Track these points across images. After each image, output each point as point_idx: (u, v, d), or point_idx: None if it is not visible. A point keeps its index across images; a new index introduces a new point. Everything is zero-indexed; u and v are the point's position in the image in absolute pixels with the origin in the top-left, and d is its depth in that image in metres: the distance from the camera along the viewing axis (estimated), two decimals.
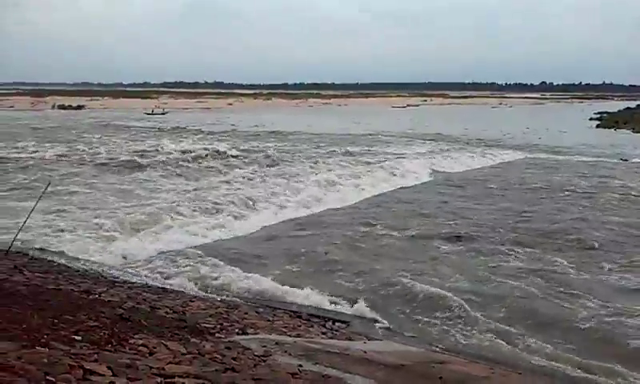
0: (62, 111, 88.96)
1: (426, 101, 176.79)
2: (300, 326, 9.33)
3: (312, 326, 9.50)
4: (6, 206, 18.90)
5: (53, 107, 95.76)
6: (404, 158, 35.59)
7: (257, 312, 9.96)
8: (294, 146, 40.72)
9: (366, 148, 40.15)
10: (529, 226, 17.79)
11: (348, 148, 39.33)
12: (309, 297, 11.41)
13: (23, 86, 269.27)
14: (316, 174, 27.48)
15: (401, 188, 25.89)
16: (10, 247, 12.31)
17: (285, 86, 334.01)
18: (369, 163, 32.74)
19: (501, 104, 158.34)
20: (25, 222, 13.16)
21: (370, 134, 53.43)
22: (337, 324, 9.97)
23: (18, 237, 12.79)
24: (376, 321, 10.45)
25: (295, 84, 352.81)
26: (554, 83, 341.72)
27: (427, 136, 52.40)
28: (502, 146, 44.62)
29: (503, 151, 40.96)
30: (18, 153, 33.28)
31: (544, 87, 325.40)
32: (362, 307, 10.92)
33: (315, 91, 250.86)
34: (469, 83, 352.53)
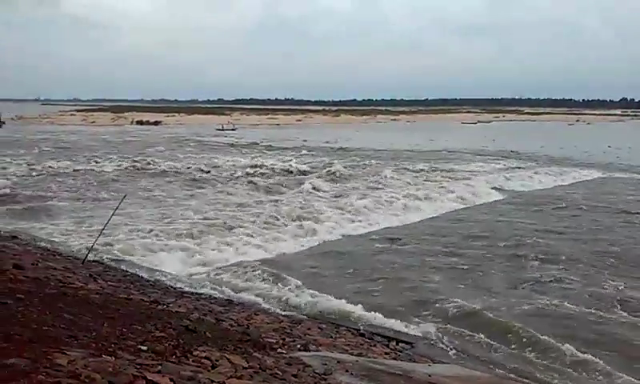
0: (140, 126, 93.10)
1: (498, 117, 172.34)
2: (362, 345, 9.19)
3: (375, 346, 9.34)
4: (85, 217, 19.87)
5: (131, 123, 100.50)
6: (474, 175, 34.81)
7: (319, 328, 9.90)
8: (361, 162, 40.61)
9: (435, 165, 39.50)
10: (598, 249, 16.93)
11: (417, 165, 38.85)
12: (372, 315, 11.24)
13: (104, 102, 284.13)
14: (383, 191, 27.31)
15: (469, 207, 25.26)
16: (86, 256, 12.90)
17: (353, 102, 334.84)
18: (437, 180, 32.18)
19: (578, 121, 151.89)
20: (101, 233, 13.77)
21: (438, 151, 52.60)
22: (400, 344, 9.75)
23: (95, 246, 13.40)
24: (442, 343, 10.16)
25: (364, 100, 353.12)
26: (635, 99, 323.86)
27: (499, 153, 50.98)
28: (579, 165, 42.68)
29: (580, 170, 39.12)
30: (97, 165, 35.08)
31: (624, 104, 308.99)
32: (427, 328, 10.65)
33: (384, 107, 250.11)
34: (544, 99, 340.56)
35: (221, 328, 7.98)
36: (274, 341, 7.92)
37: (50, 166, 33.47)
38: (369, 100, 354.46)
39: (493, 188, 30.23)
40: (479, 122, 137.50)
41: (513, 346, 10.14)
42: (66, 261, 12.59)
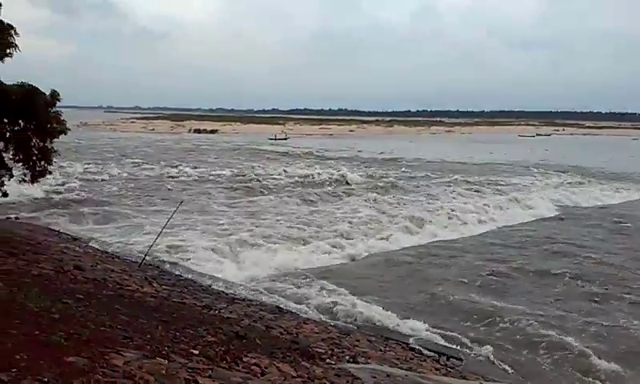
0: (197, 135, 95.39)
1: (557, 130, 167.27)
2: (412, 359, 9.06)
3: (425, 360, 9.19)
4: (141, 221, 20.48)
5: (189, 131, 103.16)
6: (532, 189, 33.93)
7: (369, 340, 9.83)
8: (414, 173, 40.26)
9: (491, 178, 38.70)
10: None
11: (473, 178, 38.16)
12: (422, 329, 11.08)
13: (164, 110, 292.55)
14: (438, 203, 26.96)
15: (526, 222, 24.60)
16: (142, 260, 13.27)
17: (407, 113, 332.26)
18: (493, 194, 31.49)
19: None
20: (157, 237, 14.14)
21: (495, 163, 51.48)
22: (451, 360, 9.56)
23: (151, 250, 13.78)
24: (494, 360, 9.90)
25: (417, 111, 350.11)
26: None
27: (559, 167, 49.39)
28: None
29: None
30: (154, 172, 36.12)
31: None
32: (478, 344, 10.42)
33: (438, 119, 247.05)
34: (606, 113, 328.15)
35: (270, 335, 8.03)
36: (323, 351, 7.91)
37: (110, 172, 34.71)
38: (423, 111, 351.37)
39: (551, 203, 29.35)
40: (538, 134, 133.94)
41: (569, 368, 9.77)
42: (123, 263, 12.99)
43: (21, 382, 3.27)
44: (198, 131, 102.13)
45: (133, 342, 5.02)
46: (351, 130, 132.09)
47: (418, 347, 10.01)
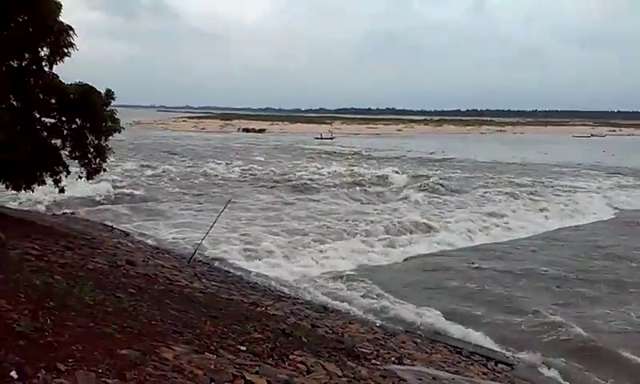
0: (246, 134, 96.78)
1: (613, 131, 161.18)
2: (460, 363, 8.92)
3: (472, 364, 9.03)
4: (192, 217, 20.92)
5: (238, 130, 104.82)
6: (585, 191, 32.87)
7: (414, 342, 9.74)
8: (464, 174, 39.63)
9: (543, 179, 37.69)
10: None
11: (524, 178, 37.27)
12: (470, 333, 10.89)
13: (214, 110, 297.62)
14: (488, 205, 26.48)
15: (579, 225, 23.85)
16: (192, 256, 13.55)
17: (457, 112, 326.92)
18: (545, 195, 30.66)
19: None
20: (206, 234, 14.41)
21: (548, 164, 50.07)
22: (500, 365, 9.36)
23: (200, 247, 14.06)
24: (545, 368, 9.63)
25: (468, 110, 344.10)
26: None
27: (614, 169, 47.65)
28: None
29: None
30: (204, 169, 36.81)
31: None
32: (528, 351, 10.16)
33: (488, 118, 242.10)
34: None
35: (316, 334, 8.06)
36: (368, 351, 7.88)
37: (160, 170, 35.59)
38: (473, 110, 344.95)
39: (605, 205, 28.37)
40: (592, 135, 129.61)
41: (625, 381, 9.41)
42: (173, 259, 13.31)
43: (77, 371, 3.39)
44: (246, 130, 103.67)
45: (182, 337, 5.13)
46: (399, 130, 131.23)
47: (465, 350, 9.85)
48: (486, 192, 30.89)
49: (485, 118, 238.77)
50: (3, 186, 13.66)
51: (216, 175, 34.56)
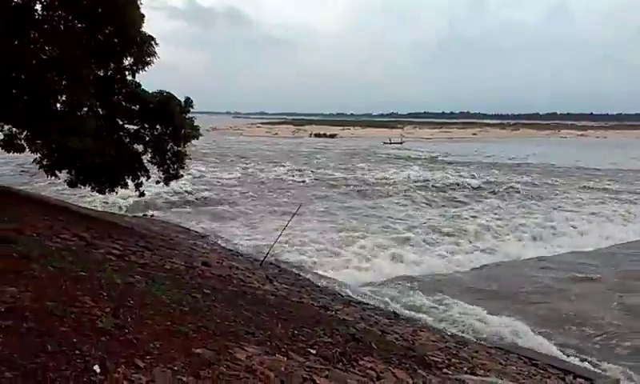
0: (317, 139, 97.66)
1: None
2: (535, 375, 8.58)
3: (549, 378, 8.67)
4: (263, 221, 21.31)
5: (310, 135, 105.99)
6: None
7: (488, 352, 9.46)
8: (541, 179, 38.14)
9: (630, 186, 35.66)
10: None
11: (611, 185, 35.46)
12: (546, 344, 10.48)
13: (287, 116, 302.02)
14: (569, 213, 25.42)
15: None
16: (264, 259, 13.80)
17: (535, 115, 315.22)
18: (628, 202, 29.03)
19: None
20: (278, 238, 14.64)
21: (636, 170, 47.23)
22: (578, 380, 8.92)
23: (272, 251, 14.29)
24: (625, 382, 9.11)
25: (546, 114, 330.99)
26: None
27: None
28: None
29: None
30: (276, 174, 37.41)
31: None
32: (609, 365, 9.64)
33: (569, 122, 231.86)
34: None
35: (386, 340, 7.99)
36: (440, 360, 7.73)
37: (234, 174, 36.49)
38: (552, 113, 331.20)
39: None
40: None
41: None
42: (245, 261, 13.60)
43: (154, 368, 3.52)
44: (318, 135, 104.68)
45: (254, 338, 5.23)
46: (473, 134, 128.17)
47: (541, 363, 9.47)
48: (564, 198, 29.69)
49: (565, 122, 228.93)
50: (86, 189, 14.48)
51: (286, 180, 35.05)
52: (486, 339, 10.65)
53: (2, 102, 12.53)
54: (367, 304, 11.65)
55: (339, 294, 12.21)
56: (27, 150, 12.70)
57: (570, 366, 9.54)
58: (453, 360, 8.01)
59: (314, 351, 5.55)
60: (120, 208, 21.42)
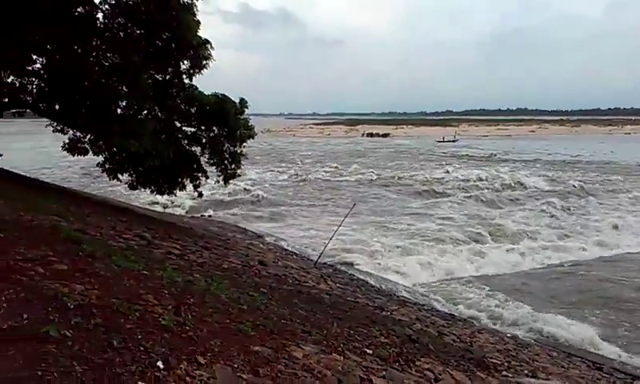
0: (370, 138, 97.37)
1: None
2: (599, 380, 8.27)
3: (614, 383, 8.33)
4: (318, 221, 21.40)
5: (362, 135, 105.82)
6: None
7: (549, 355, 9.18)
8: (604, 177, 36.71)
9: None
10: None
11: None
12: (610, 348, 10.07)
13: (340, 116, 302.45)
14: (633, 212, 24.35)
15: None
16: (318, 258, 13.86)
17: (597, 111, 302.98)
18: None
19: None
20: (332, 237, 14.66)
21: None
22: None
23: (325, 250, 14.32)
24: None
25: (609, 109, 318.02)
26: None
27: None
28: None
29: None
30: (329, 174, 37.54)
31: None
32: None
33: (634, 117, 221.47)
34: None
35: (443, 342, 7.87)
36: (499, 362, 7.54)
37: (287, 174, 36.87)
38: (615, 108, 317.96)
39: None
40: None
41: None
42: (300, 260, 13.70)
43: (214, 365, 3.59)
44: (370, 135, 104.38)
45: (311, 337, 5.25)
46: (532, 131, 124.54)
47: (606, 367, 9.11)
48: (630, 197, 28.41)
49: (630, 117, 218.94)
50: (146, 191, 14.93)
51: (339, 179, 35.11)
52: (548, 341, 10.34)
53: (66, 108, 13.11)
54: (423, 305, 11.53)
55: (394, 294, 12.13)
56: (90, 153, 13.23)
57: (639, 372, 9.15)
58: (512, 362, 7.82)
59: (370, 351, 5.52)
60: (178, 209, 22.00)
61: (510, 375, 6.96)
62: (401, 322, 8.48)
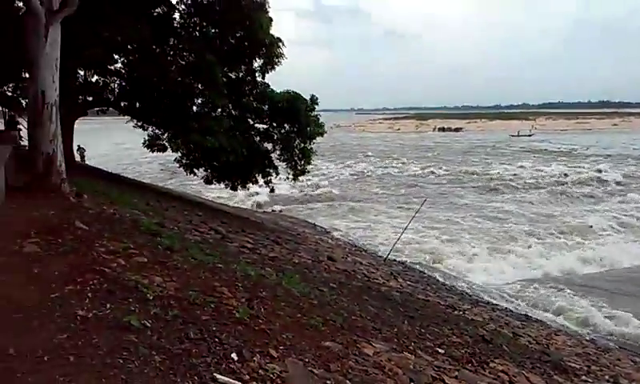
0: (441, 133, 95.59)
1: None
2: None
3: None
4: (387, 216, 21.26)
5: (433, 130, 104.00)
6: None
7: (632, 361, 8.71)
8: None
9: None
10: None
11: None
12: None
13: (411, 110, 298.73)
14: None
15: None
16: (387, 255, 13.78)
17: None
18: None
19: None
20: (402, 233, 14.54)
21: None
22: None
23: (395, 246, 14.23)
24: None
25: None
26: None
27: None
28: None
29: None
30: (399, 169, 37.22)
31: None
32: None
33: None
34: None
35: (518, 343, 7.64)
36: (578, 366, 7.24)
37: (356, 170, 36.84)
38: None
39: None
40: None
41: None
42: (369, 257, 13.66)
43: (286, 359, 3.64)
44: (442, 129, 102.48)
45: (381, 334, 5.22)
46: (614, 124, 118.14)
47: None
48: None
49: None
50: (220, 185, 15.36)
51: (409, 175, 34.73)
52: (630, 345, 9.82)
53: (146, 106, 13.68)
54: (496, 305, 11.23)
55: (466, 293, 11.88)
56: (168, 149, 13.77)
57: None
58: (592, 367, 7.48)
59: (442, 350, 5.44)
60: (253, 203, 22.48)
61: (590, 380, 6.67)
62: (473, 321, 8.29)
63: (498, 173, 34.81)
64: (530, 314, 10.98)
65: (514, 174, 34.03)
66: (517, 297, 12.62)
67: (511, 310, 11.01)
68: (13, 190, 7.63)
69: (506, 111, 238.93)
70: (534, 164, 39.76)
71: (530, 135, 79.99)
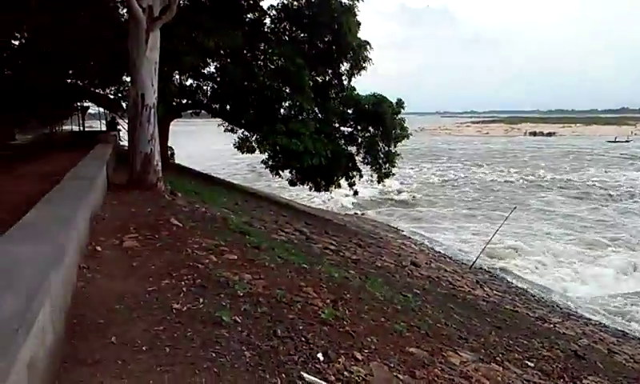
0: (532, 138, 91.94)
1: None
2: None
3: None
4: (471, 223, 20.70)
5: (524, 134, 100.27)
6: None
7: None
8: None
9: None
10: None
11: None
12: None
13: (500, 114, 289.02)
14: None
15: None
16: (474, 262, 13.43)
17: None
18: None
19: None
20: (489, 241, 14.13)
21: None
22: None
23: (482, 255, 13.84)
24: None
25: None
26: None
27: None
28: None
29: None
30: (484, 176, 36.08)
31: None
32: None
33: None
34: None
35: (614, 361, 7.21)
36: None
37: (441, 175, 36.13)
38: None
39: None
40: None
41: None
42: (454, 264, 13.37)
43: (371, 362, 3.63)
44: (533, 134, 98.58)
45: (467, 343, 5.09)
46: None
47: None
48: None
49: None
50: (304, 187, 15.57)
51: (496, 181, 33.62)
52: None
53: (236, 108, 14.12)
54: (589, 319, 10.66)
55: (557, 305, 11.35)
56: (257, 151, 14.15)
57: None
58: None
59: (531, 364, 5.23)
60: (336, 205, 22.61)
61: None
62: (565, 335, 7.92)
63: (594, 180, 33.01)
64: (627, 331, 10.33)
65: (612, 182, 32.14)
66: (613, 311, 11.92)
67: (606, 325, 10.41)
68: (113, 187, 8.13)
69: (603, 116, 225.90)
70: (635, 172, 37.35)
71: (627, 141, 75.12)
